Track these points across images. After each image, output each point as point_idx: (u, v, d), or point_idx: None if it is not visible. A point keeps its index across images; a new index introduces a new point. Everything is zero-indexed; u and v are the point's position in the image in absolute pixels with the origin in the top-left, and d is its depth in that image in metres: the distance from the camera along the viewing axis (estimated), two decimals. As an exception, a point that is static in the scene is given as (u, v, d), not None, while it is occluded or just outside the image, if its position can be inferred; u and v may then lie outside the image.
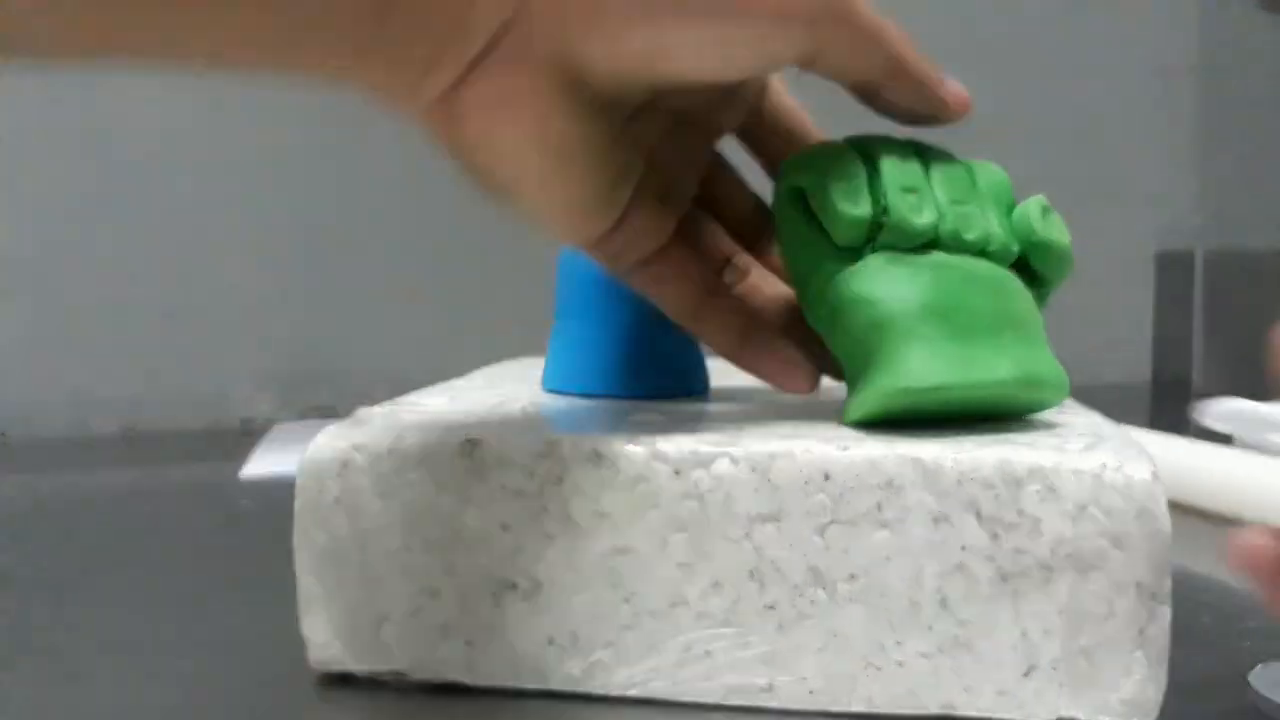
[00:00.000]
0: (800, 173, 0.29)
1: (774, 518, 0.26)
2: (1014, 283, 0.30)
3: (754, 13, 0.25)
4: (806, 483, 0.26)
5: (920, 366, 0.27)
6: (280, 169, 0.78)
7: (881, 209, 0.28)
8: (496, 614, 0.28)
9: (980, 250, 0.30)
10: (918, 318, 0.28)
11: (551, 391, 0.36)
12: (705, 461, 0.27)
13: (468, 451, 0.27)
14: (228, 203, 0.77)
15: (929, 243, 0.29)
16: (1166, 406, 0.93)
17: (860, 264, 0.29)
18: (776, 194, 0.30)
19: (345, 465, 0.28)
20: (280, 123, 0.77)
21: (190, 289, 0.76)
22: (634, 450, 0.27)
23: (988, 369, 0.28)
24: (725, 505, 0.26)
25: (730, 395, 0.36)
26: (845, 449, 0.26)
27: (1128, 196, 1.03)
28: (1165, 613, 0.26)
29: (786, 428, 0.28)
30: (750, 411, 0.32)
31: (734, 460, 0.26)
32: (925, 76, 0.28)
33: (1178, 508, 0.44)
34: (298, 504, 0.28)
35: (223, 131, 0.76)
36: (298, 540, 0.28)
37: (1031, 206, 0.30)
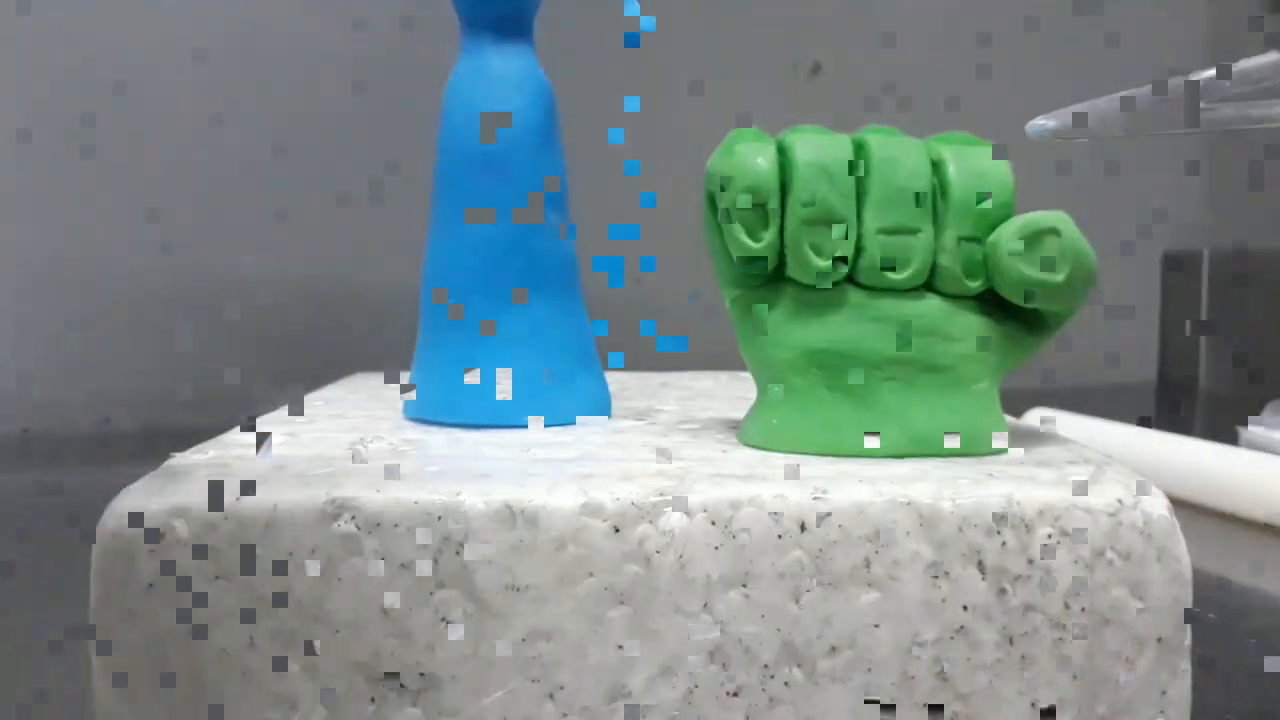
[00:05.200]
0: (715, 179, 0.26)
1: (739, 582, 0.21)
2: (962, 322, 0.25)
3: None
4: (779, 537, 0.21)
5: (774, 427, 0.26)
6: (296, 168, 0.75)
7: (783, 241, 0.25)
8: (378, 725, 0.21)
9: (917, 285, 0.25)
10: (794, 368, 0.25)
11: (416, 421, 0.29)
12: (651, 514, 0.21)
13: (333, 513, 0.21)
14: (248, 198, 0.75)
15: (847, 277, 0.25)
16: (1172, 406, 0.94)
17: (757, 294, 0.26)
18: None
19: (163, 537, 0.21)
20: (290, 124, 0.75)
21: (209, 288, 0.74)
22: (559, 502, 0.21)
23: (857, 433, 0.25)
24: (678, 569, 0.21)
25: (651, 420, 0.30)
26: (823, 493, 0.21)
27: (1135, 197, 1.04)
28: (1187, 670, 0.22)
29: (745, 464, 0.23)
30: (691, 444, 0.26)
31: (688, 511, 0.21)
32: None
33: (1183, 506, 0.45)
34: (94, 595, 0.21)
35: (234, 137, 0.74)
36: (96, 645, 0.21)
37: (1005, 234, 0.25)
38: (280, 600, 0.21)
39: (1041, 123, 0.24)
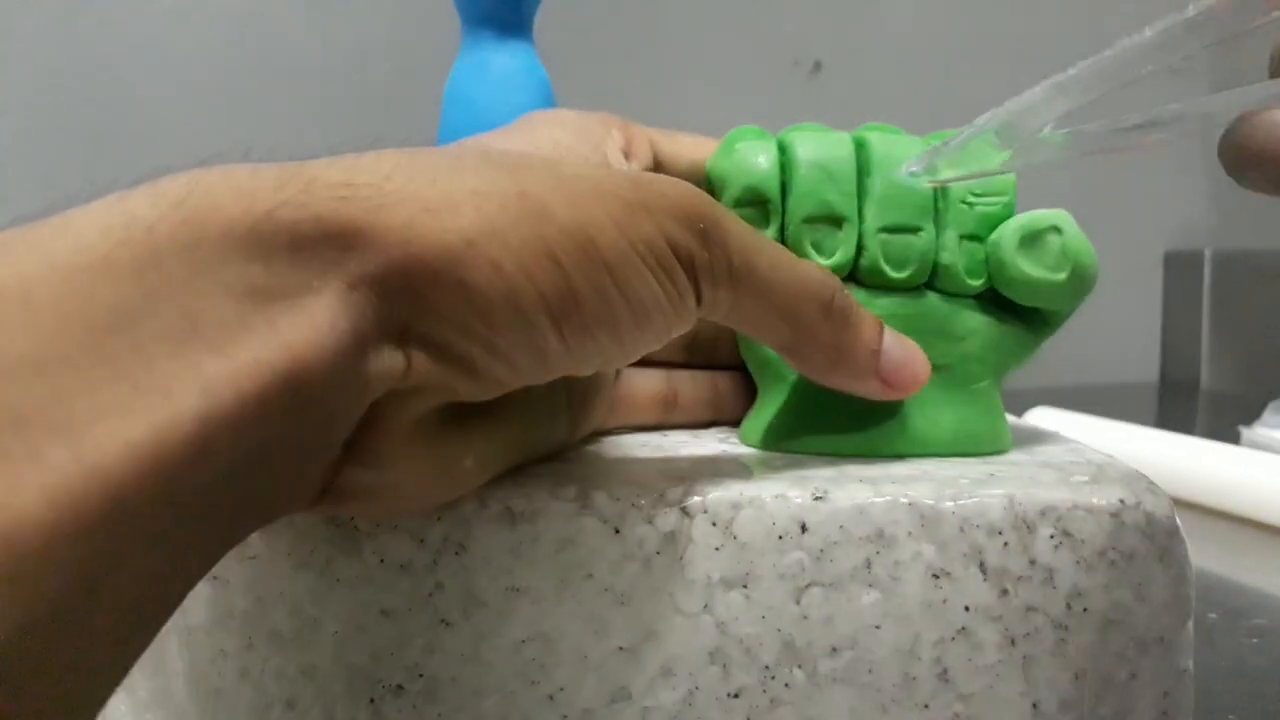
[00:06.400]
0: (715, 182, 0.26)
1: (740, 583, 0.21)
2: (963, 320, 0.25)
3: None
4: (780, 537, 0.21)
5: (775, 427, 0.25)
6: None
7: (784, 240, 0.25)
8: (377, 727, 0.21)
9: (917, 284, 0.25)
10: None
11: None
12: (650, 515, 0.21)
13: (332, 513, 0.21)
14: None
15: (847, 276, 0.25)
16: (1174, 405, 0.94)
17: None
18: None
19: (160, 538, 0.21)
20: (289, 122, 0.75)
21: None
22: (558, 504, 0.21)
23: (857, 433, 0.24)
24: (678, 570, 0.21)
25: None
26: (824, 494, 0.21)
27: (1137, 197, 1.04)
28: (1189, 671, 0.22)
29: (745, 464, 0.23)
30: (692, 443, 0.26)
31: (688, 512, 0.21)
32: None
33: (1185, 506, 0.45)
34: (92, 596, 0.20)
35: (230, 137, 0.70)
36: (93, 645, 0.21)
37: (1007, 235, 0.25)
38: (279, 601, 0.21)
39: (911, 169, 0.24)
